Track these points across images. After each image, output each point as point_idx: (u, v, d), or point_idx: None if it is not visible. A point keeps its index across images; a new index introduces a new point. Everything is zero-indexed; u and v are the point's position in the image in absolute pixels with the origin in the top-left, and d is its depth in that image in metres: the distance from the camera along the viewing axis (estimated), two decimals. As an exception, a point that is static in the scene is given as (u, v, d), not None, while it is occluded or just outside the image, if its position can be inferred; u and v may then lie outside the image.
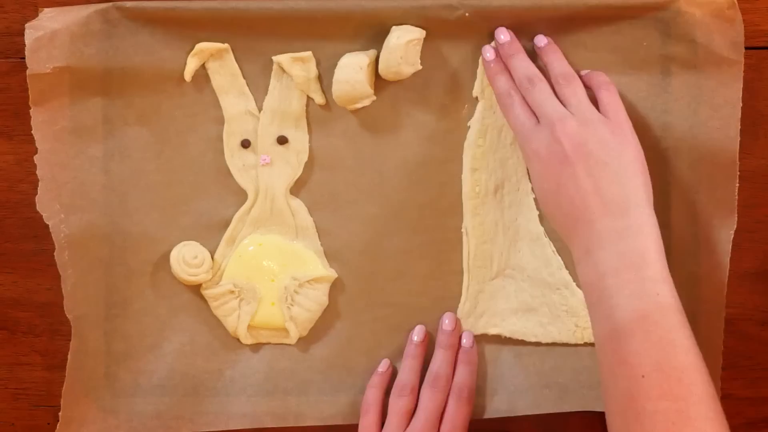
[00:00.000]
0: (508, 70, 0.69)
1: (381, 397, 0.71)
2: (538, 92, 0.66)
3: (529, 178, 0.71)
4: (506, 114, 0.68)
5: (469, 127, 0.72)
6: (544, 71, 0.68)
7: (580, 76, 0.68)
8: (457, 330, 0.72)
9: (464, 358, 0.71)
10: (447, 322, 0.71)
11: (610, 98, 0.66)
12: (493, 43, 0.70)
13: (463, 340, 0.72)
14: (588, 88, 0.67)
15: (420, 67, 0.69)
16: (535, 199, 0.72)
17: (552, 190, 0.64)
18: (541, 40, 0.69)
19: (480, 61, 0.71)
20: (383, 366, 0.72)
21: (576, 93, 0.66)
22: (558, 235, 0.70)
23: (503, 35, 0.69)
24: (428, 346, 0.72)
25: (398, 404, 0.69)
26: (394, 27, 0.69)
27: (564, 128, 0.64)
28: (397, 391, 0.70)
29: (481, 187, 0.72)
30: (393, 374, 0.72)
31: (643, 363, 0.58)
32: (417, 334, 0.72)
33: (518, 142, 0.68)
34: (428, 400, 0.69)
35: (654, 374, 0.57)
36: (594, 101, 0.66)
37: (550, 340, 0.72)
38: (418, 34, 0.69)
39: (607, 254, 0.61)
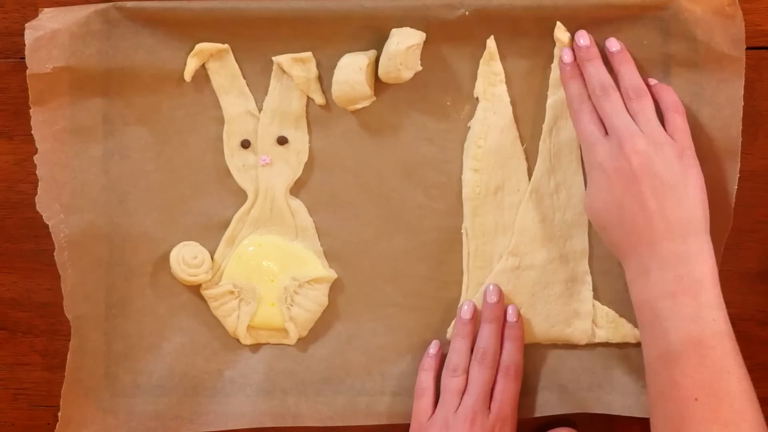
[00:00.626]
0: (582, 75, 0.68)
1: (434, 379, 0.70)
2: (609, 103, 0.66)
3: (584, 184, 0.70)
4: (575, 121, 0.68)
5: (470, 127, 0.72)
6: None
7: (649, 87, 0.68)
8: (502, 302, 0.71)
9: (509, 333, 0.70)
10: (491, 293, 0.70)
11: (678, 120, 0.66)
12: (569, 47, 0.69)
13: (508, 314, 0.71)
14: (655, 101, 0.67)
15: (420, 68, 0.69)
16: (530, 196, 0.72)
17: (614, 204, 0.64)
18: (613, 45, 0.69)
19: (481, 61, 0.71)
20: (434, 348, 0.71)
21: (646, 110, 0.66)
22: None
23: (582, 39, 0.68)
24: (477, 323, 0.71)
25: (451, 384, 0.69)
26: (393, 30, 0.69)
27: (633, 145, 0.64)
28: (449, 371, 0.70)
29: (481, 187, 0.72)
30: (442, 358, 0.71)
31: (696, 386, 0.59)
32: (466, 312, 0.71)
33: (583, 151, 0.68)
34: (478, 376, 0.69)
35: (706, 398, 0.58)
36: (660, 118, 0.66)
37: (549, 341, 0.72)
38: (418, 38, 0.68)
39: (666, 276, 0.62)
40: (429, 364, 0.71)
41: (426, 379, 0.70)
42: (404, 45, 0.68)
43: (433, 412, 0.69)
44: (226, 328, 0.72)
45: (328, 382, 0.72)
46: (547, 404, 0.71)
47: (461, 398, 0.69)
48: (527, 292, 0.71)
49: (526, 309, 0.71)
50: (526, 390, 0.71)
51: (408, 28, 0.69)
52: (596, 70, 0.68)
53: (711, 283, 0.61)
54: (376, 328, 0.72)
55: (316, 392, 0.72)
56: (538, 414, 0.71)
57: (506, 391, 0.69)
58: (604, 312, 0.72)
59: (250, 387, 0.72)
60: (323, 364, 0.72)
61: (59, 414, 0.70)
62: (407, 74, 0.69)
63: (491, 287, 0.71)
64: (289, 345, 0.72)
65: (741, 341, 0.72)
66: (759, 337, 0.73)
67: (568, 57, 0.69)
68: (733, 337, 0.61)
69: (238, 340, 0.72)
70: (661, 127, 0.65)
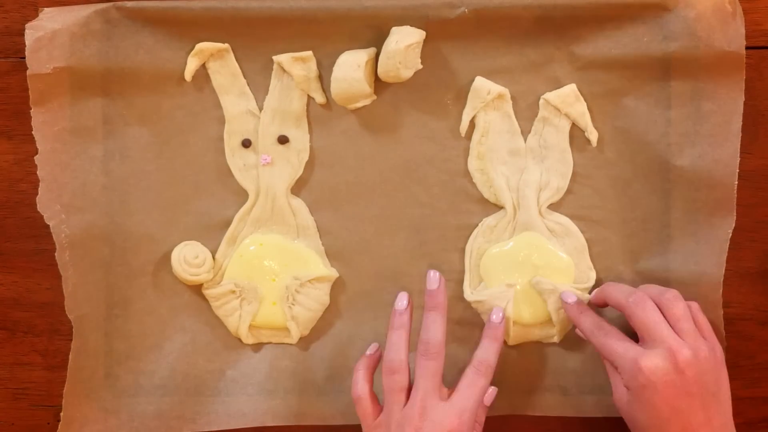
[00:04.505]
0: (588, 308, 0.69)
1: (369, 378, 0.68)
2: (646, 313, 0.64)
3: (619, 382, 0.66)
4: (600, 346, 0.66)
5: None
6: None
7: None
8: (443, 289, 0.67)
9: (491, 333, 0.68)
10: (432, 279, 0.67)
11: (700, 318, 0.66)
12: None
13: (492, 316, 0.69)
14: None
15: (420, 67, 0.69)
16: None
17: (663, 417, 0.62)
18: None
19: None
20: (371, 349, 0.69)
21: (688, 317, 0.65)
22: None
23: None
24: (414, 313, 0.68)
25: (392, 381, 0.65)
26: (393, 29, 0.69)
27: (685, 359, 0.62)
28: (388, 368, 0.65)
29: (482, 185, 0.72)
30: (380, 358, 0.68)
31: None
32: (400, 302, 0.67)
33: (619, 369, 0.64)
34: (424, 371, 0.64)
35: None
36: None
37: (549, 339, 0.72)
38: (418, 36, 0.68)
39: None
40: (362, 363, 0.68)
41: (358, 380, 0.67)
42: (403, 43, 0.67)
43: (379, 412, 0.66)
44: (227, 327, 0.72)
45: (330, 381, 0.72)
46: (548, 405, 0.72)
47: (407, 396, 0.65)
48: (530, 289, 0.72)
49: (528, 306, 0.72)
50: (527, 389, 0.72)
51: (408, 27, 0.69)
52: (619, 287, 0.68)
53: None
54: (377, 326, 0.72)
55: (318, 391, 0.72)
56: (538, 413, 0.71)
57: (473, 385, 0.65)
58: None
59: (252, 386, 0.72)
60: (325, 363, 0.72)
61: (61, 414, 0.70)
62: (407, 73, 0.69)
63: (432, 273, 0.67)
64: (290, 344, 0.72)
65: (741, 341, 0.72)
66: (759, 337, 0.73)
67: (570, 297, 0.70)
68: None
69: (239, 340, 0.72)
70: (697, 332, 0.64)
